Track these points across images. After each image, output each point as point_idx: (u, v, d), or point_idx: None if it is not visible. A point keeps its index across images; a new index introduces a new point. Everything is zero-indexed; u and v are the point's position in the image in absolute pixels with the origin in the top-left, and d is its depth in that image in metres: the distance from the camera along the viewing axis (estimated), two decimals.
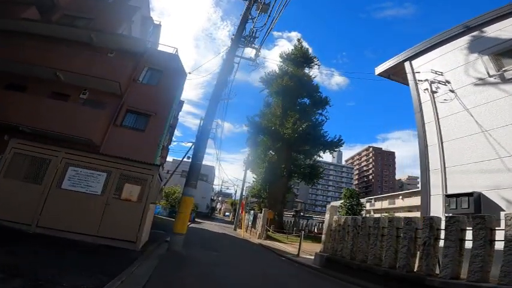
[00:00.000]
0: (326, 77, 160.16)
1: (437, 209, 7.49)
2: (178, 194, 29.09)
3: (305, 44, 30.57)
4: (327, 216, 8.71)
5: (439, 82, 8.63)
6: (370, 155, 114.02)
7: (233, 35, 12.69)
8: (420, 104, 9.20)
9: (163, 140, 13.76)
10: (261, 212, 21.64)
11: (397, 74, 11.33)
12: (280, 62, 29.19)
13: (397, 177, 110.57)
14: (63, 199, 6.56)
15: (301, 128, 23.50)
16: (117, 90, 14.22)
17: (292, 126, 23.73)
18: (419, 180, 9.48)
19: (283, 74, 27.45)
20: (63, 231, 6.40)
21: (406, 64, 10.27)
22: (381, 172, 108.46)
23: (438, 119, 8.31)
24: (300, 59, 28.58)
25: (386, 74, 11.54)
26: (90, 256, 5.62)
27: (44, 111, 12.31)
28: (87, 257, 5.53)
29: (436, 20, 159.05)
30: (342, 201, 40.04)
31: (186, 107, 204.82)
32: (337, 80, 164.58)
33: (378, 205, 59.86)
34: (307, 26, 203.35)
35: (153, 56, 15.68)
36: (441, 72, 8.76)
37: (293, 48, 30.17)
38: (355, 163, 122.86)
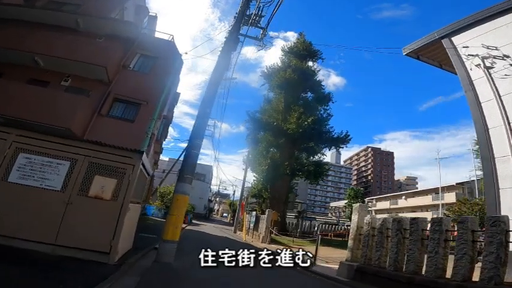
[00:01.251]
0: (324, 77, 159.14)
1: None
2: None
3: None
4: (355, 217, 7.06)
5: (494, 57, 7.38)
6: (369, 155, 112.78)
7: (236, 13, 11.16)
8: (471, 81, 7.85)
9: (153, 127, 12.06)
10: (262, 213, 20.03)
11: (427, 54, 10.04)
12: (282, 56, 27.86)
13: (395, 177, 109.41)
14: (10, 196, 4.85)
15: (306, 123, 21.93)
16: (104, 77, 12.88)
17: (297, 121, 22.16)
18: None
19: (285, 67, 26.02)
20: (10, 238, 4.71)
21: (445, 41, 9.00)
22: (379, 172, 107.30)
23: (500, 96, 6.91)
24: (303, 52, 27.17)
25: (415, 54, 10.23)
26: (39, 273, 4.02)
27: (17, 99, 11.01)
28: (35, 275, 3.94)
29: (434, 20, 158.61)
30: (346, 201, 38.54)
31: (183, 108, 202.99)
32: (335, 80, 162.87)
33: (379, 205, 58.39)
34: (304, 27, 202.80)
35: (147, 42, 14.33)
36: (495, 47, 7.50)
37: (295, 41, 28.86)
38: (353, 163, 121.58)
